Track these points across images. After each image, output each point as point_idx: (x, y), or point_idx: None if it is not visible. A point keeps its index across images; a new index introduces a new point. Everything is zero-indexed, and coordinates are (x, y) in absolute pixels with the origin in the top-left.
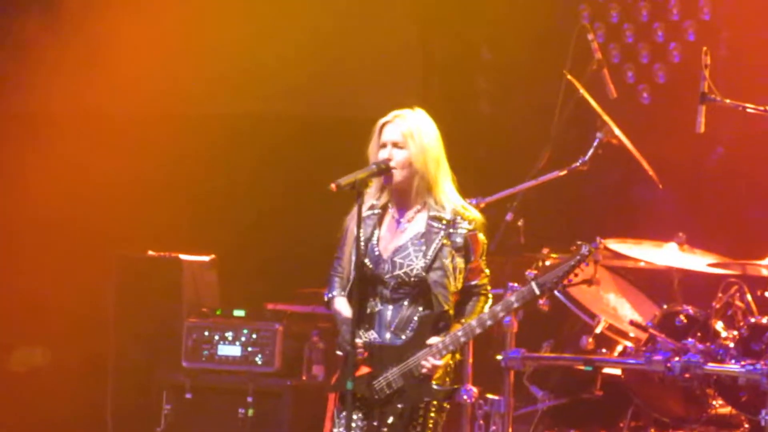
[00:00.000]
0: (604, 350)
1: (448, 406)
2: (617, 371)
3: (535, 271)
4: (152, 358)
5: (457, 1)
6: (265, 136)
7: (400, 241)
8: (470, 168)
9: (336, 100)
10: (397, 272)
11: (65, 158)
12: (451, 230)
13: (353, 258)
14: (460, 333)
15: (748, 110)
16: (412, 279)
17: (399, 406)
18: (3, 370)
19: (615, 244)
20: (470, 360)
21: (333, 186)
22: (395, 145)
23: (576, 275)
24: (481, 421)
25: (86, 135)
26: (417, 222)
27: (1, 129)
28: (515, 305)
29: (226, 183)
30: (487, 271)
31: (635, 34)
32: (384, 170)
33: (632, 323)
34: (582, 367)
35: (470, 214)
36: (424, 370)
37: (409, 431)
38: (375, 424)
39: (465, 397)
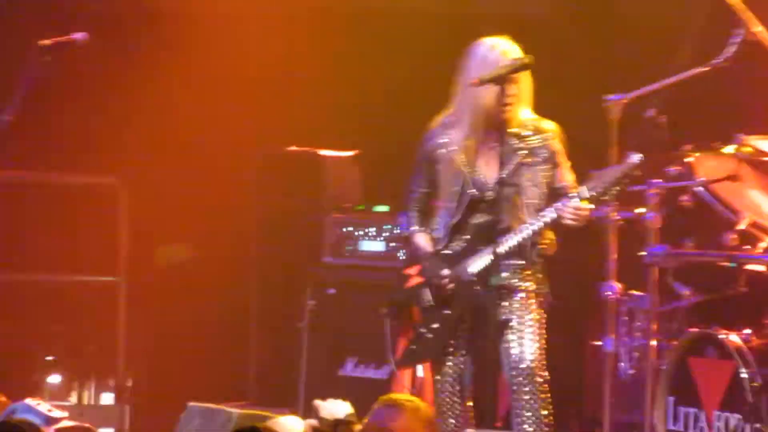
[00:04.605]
0: (747, 246)
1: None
2: (761, 267)
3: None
4: (294, 254)
5: None
6: (414, 34)
7: (497, 165)
8: (612, 65)
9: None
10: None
11: (205, 57)
12: (532, 145)
13: (454, 188)
14: (509, 237)
15: None
16: (487, 195)
17: (446, 311)
18: (148, 265)
19: (759, 141)
20: (614, 256)
21: (476, 81)
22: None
23: (624, 183)
24: (626, 317)
25: (227, 34)
26: (504, 143)
27: (139, 29)
28: (559, 211)
29: (370, 79)
30: (572, 175)
31: None
32: (526, 65)
33: None
34: (726, 264)
35: (548, 125)
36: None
37: (467, 334)
38: (432, 327)
39: (609, 293)
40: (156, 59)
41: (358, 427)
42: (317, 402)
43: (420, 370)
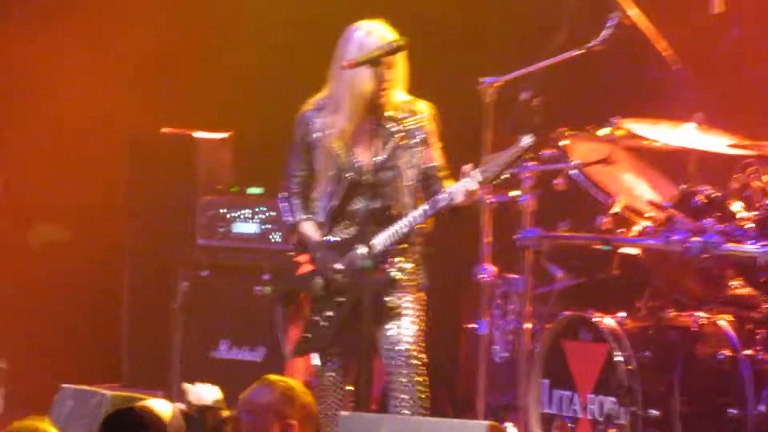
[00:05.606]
0: (621, 230)
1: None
2: (635, 251)
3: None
4: (167, 236)
5: None
6: (288, 14)
7: (374, 148)
8: (486, 47)
9: None
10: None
11: (74, 36)
12: (408, 127)
13: (332, 172)
14: (401, 224)
15: None
16: (364, 179)
17: (339, 299)
18: (20, 246)
19: (632, 124)
20: (488, 239)
21: (351, 63)
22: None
23: (516, 166)
24: (500, 300)
25: (99, 12)
26: (380, 126)
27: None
28: (456, 197)
29: (243, 59)
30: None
31: None
32: (400, 48)
33: (650, 203)
34: (600, 247)
35: (422, 106)
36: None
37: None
38: (326, 315)
39: (483, 275)
40: (26, 34)
41: (226, 413)
42: (186, 386)
43: (315, 358)
